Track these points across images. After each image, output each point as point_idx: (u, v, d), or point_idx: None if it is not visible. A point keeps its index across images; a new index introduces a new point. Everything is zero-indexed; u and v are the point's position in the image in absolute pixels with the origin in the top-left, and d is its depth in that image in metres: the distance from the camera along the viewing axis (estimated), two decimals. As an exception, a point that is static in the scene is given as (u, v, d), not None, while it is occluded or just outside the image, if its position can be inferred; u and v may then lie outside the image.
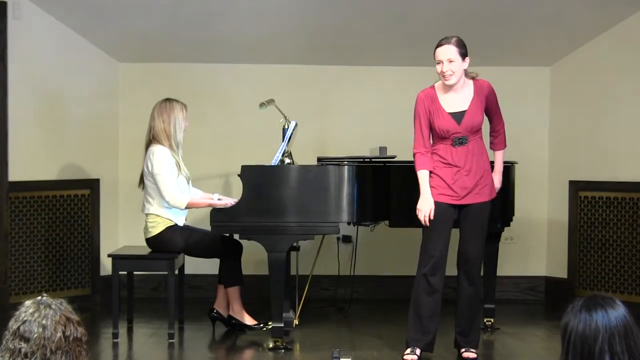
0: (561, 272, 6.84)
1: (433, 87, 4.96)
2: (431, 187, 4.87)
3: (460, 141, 4.87)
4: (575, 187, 6.73)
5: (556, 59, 6.88)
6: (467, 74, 4.94)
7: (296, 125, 5.75)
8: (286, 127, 5.76)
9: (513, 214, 5.84)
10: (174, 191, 5.55)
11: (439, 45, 4.86)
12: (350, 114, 6.88)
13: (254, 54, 6.82)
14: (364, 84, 6.88)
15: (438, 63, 4.84)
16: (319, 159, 5.82)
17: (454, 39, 4.85)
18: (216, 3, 6.23)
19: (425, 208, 4.84)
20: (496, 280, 6.00)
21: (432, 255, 4.85)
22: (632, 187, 6.37)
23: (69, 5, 6.36)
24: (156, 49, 6.78)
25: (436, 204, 4.86)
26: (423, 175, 4.89)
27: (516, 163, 5.89)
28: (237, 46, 6.73)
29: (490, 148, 5.16)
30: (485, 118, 5.04)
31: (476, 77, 4.98)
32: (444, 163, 4.88)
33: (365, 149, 6.28)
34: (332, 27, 6.51)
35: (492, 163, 5.13)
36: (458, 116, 4.88)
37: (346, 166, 5.29)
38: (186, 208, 5.63)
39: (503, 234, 5.91)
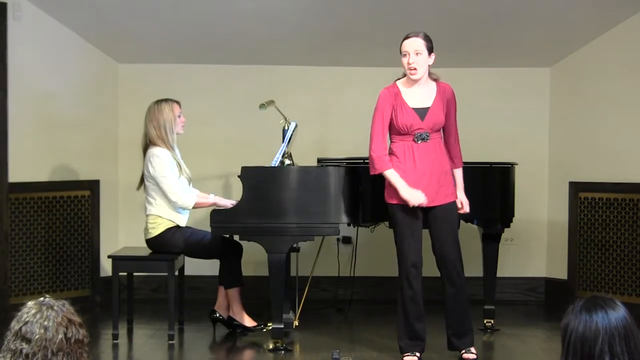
0: (561, 273, 6.85)
1: (395, 84, 4.97)
2: (410, 204, 4.83)
3: (422, 137, 4.86)
4: (576, 188, 6.73)
5: (556, 60, 6.89)
6: (430, 73, 4.94)
7: (296, 126, 5.75)
8: (286, 128, 5.77)
9: (513, 215, 5.84)
10: (179, 192, 5.56)
11: (406, 37, 4.86)
12: (350, 115, 6.88)
13: (254, 55, 6.83)
14: (364, 85, 6.87)
15: (404, 55, 4.84)
16: (319, 160, 5.83)
17: (422, 33, 4.87)
18: (216, 4, 6.23)
19: (414, 194, 4.79)
20: (496, 282, 6.00)
21: (411, 260, 4.85)
22: (632, 188, 6.37)
23: (68, 7, 6.37)
24: (156, 50, 6.78)
25: (403, 207, 4.85)
26: (393, 173, 4.85)
27: (516, 164, 5.89)
28: (237, 47, 6.73)
29: (450, 167, 5.03)
30: None
31: (439, 80, 4.98)
32: (405, 165, 4.86)
33: (365, 150, 6.28)
34: (332, 29, 6.52)
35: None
36: (422, 112, 4.87)
37: (346, 167, 5.30)
38: (193, 208, 5.64)
39: (503, 235, 5.90)
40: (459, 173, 5.07)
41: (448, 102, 4.94)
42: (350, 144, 6.72)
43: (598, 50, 6.61)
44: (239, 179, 5.35)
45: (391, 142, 4.97)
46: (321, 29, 6.52)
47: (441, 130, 4.97)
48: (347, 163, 5.50)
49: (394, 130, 4.92)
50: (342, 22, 6.45)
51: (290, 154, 5.76)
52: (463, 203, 5.03)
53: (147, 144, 5.67)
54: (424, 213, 4.91)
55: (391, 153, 4.94)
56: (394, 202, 4.87)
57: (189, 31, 6.55)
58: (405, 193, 4.80)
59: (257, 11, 6.30)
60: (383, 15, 6.32)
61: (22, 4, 6.22)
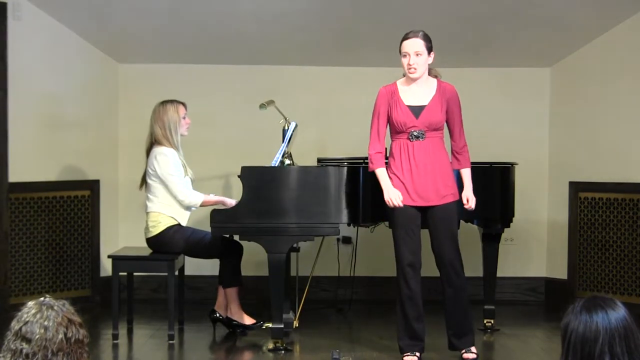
0: (561, 273, 6.85)
1: (395, 82, 4.99)
2: (388, 204, 4.86)
3: (417, 136, 4.86)
4: (576, 187, 6.73)
5: (556, 60, 6.89)
6: (430, 71, 4.95)
7: (296, 126, 5.75)
8: (286, 128, 5.77)
9: (513, 215, 5.84)
10: (187, 190, 5.59)
11: (405, 38, 4.87)
12: (350, 115, 6.88)
13: (254, 55, 6.83)
14: (364, 85, 6.86)
15: (404, 56, 4.85)
16: (319, 160, 5.83)
17: (421, 33, 4.87)
18: (216, 4, 6.23)
19: (393, 195, 4.82)
20: (496, 282, 6.00)
21: (407, 259, 4.86)
22: (632, 188, 6.37)
23: (68, 6, 6.37)
24: (156, 50, 6.78)
25: (399, 207, 4.86)
26: (382, 172, 4.90)
27: (516, 164, 5.89)
28: (237, 47, 6.73)
29: (453, 167, 5.03)
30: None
31: (439, 77, 4.98)
32: (401, 164, 4.86)
33: (365, 150, 6.28)
34: (332, 29, 6.52)
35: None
36: (416, 110, 4.87)
37: (346, 167, 5.30)
38: (200, 206, 5.65)
39: (503, 235, 5.90)
40: (466, 173, 5.04)
41: (449, 101, 4.93)
42: (350, 144, 6.71)
43: (598, 50, 6.61)
44: (239, 179, 5.35)
45: (392, 140, 4.98)
46: (321, 29, 6.52)
47: (442, 129, 4.96)
48: (347, 163, 5.49)
49: (392, 128, 4.94)
50: (342, 22, 6.45)
51: (290, 154, 5.76)
52: (469, 199, 4.99)
53: (152, 143, 5.68)
54: (423, 213, 4.91)
55: (391, 152, 4.95)
56: None
57: (189, 31, 6.55)
58: (385, 193, 4.84)
59: (257, 11, 6.30)
60: (383, 15, 6.32)
61: (22, 4, 6.22)
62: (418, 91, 4.92)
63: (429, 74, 4.96)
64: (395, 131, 4.92)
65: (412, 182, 4.85)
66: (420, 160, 4.86)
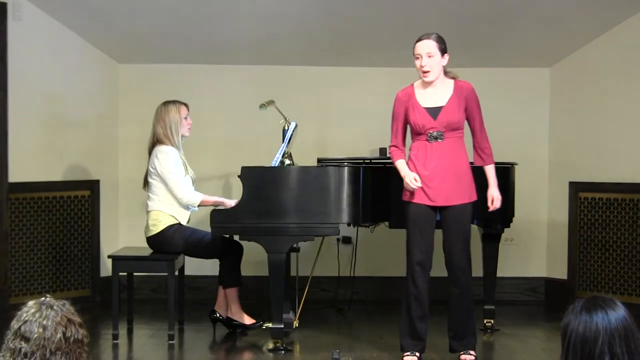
0: (561, 273, 6.85)
1: (412, 85, 4.99)
2: (409, 190, 4.86)
3: (435, 137, 4.85)
4: (575, 188, 6.73)
5: (556, 60, 6.89)
6: (447, 72, 4.93)
7: (296, 126, 5.75)
8: (286, 128, 5.77)
9: (513, 215, 5.84)
10: (186, 189, 5.59)
11: (418, 40, 4.86)
12: (350, 115, 6.88)
13: (253, 55, 6.83)
14: (364, 85, 6.88)
15: (417, 58, 4.85)
16: (319, 160, 5.83)
17: (434, 35, 4.87)
18: (216, 4, 6.23)
19: (410, 177, 4.80)
20: (496, 282, 6.00)
21: (417, 258, 4.85)
22: (632, 188, 6.37)
23: (69, 7, 6.37)
24: (156, 50, 6.78)
25: (415, 205, 4.86)
26: (400, 163, 4.90)
27: (516, 164, 5.89)
28: (237, 47, 6.73)
29: (476, 164, 5.03)
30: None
31: (457, 78, 4.97)
32: (419, 164, 4.85)
33: (365, 150, 6.28)
34: (332, 29, 6.51)
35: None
36: (434, 111, 4.86)
37: (346, 167, 5.30)
38: (198, 206, 5.66)
39: (503, 235, 5.90)
40: (489, 170, 5.03)
41: (467, 100, 4.91)
42: (350, 144, 6.73)
43: (598, 50, 6.61)
44: (239, 179, 5.35)
45: (412, 141, 4.97)
46: (321, 29, 6.52)
47: (461, 129, 4.94)
48: (347, 163, 5.49)
49: (412, 130, 4.94)
50: (342, 22, 6.44)
51: (290, 154, 5.76)
52: (494, 198, 4.99)
53: (154, 142, 5.70)
54: (439, 213, 4.91)
55: (410, 152, 4.95)
56: (407, 199, 4.89)
57: (189, 31, 6.55)
58: (405, 180, 4.83)
59: (256, 11, 6.30)
60: (383, 15, 6.32)
61: (22, 4, 6.22)
62: (434, 93, 4.90)
63: (446, 76, 4.94)
64: (415, 133, 4.92)
65: (428, 182, 4.84)
66: (436, 160, 4.84)
